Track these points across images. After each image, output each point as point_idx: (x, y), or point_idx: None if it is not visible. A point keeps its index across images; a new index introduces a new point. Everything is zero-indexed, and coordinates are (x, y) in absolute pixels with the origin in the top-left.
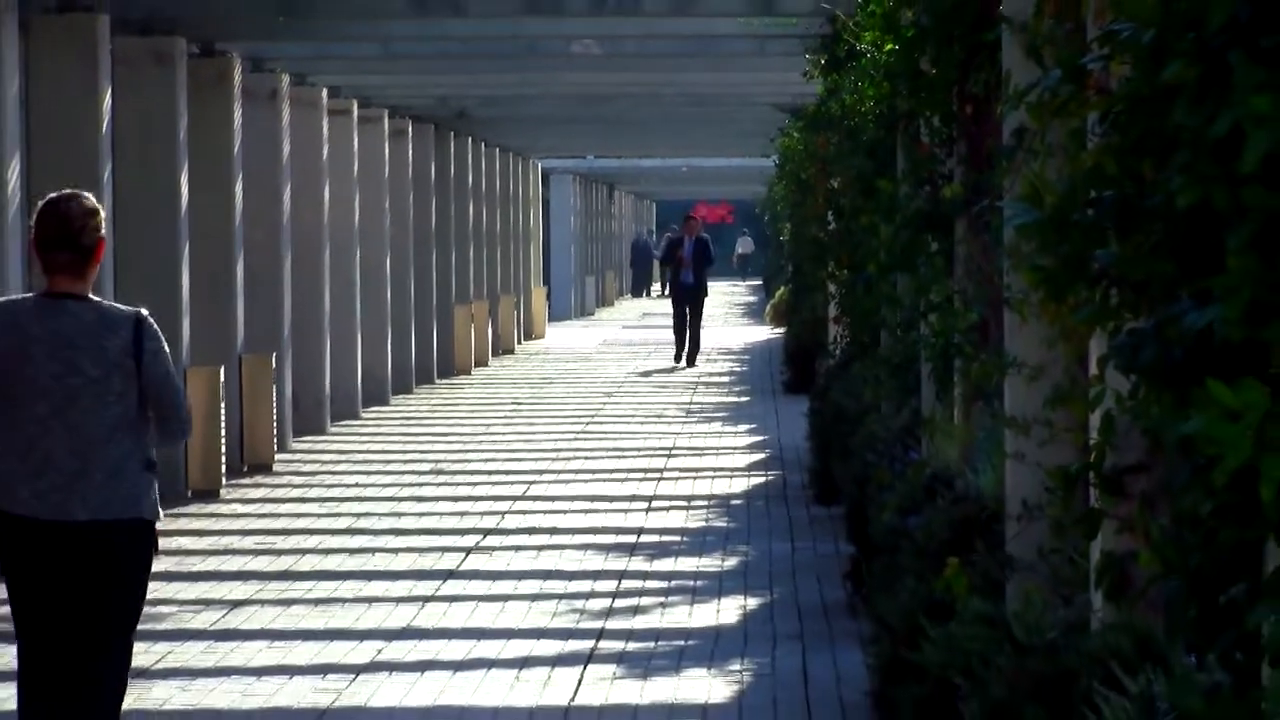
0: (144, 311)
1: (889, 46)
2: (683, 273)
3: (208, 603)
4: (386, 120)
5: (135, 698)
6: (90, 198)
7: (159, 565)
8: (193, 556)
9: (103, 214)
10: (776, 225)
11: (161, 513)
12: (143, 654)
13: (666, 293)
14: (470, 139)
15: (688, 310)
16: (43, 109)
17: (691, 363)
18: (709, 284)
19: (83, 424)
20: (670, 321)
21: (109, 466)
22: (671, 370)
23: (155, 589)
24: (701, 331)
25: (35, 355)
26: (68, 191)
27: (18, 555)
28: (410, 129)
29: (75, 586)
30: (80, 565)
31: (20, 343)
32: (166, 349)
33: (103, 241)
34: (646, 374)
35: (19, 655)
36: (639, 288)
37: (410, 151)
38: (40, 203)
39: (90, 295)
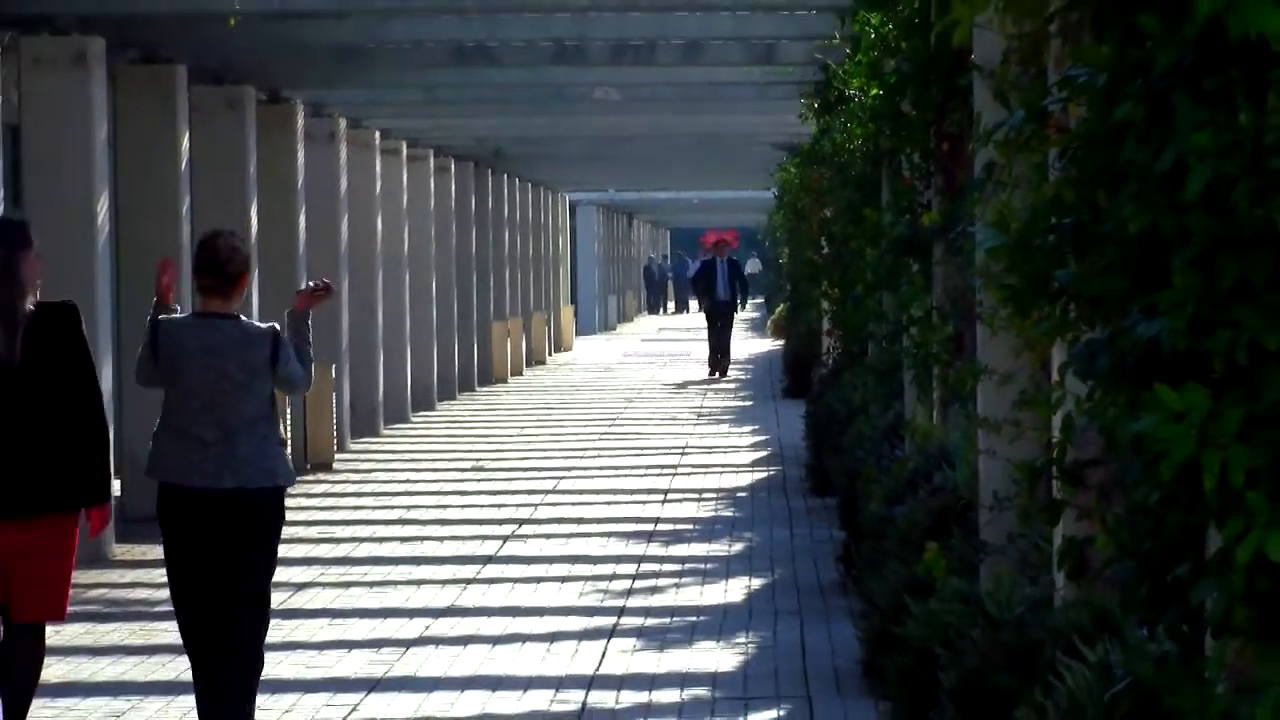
0: (278, 326)
1: (874, 91)
2: (718, 291)
3: (276, 585)
4: (432, 158)
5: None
6: (236, 236)
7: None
8: None
9: (248, 249)
10: (776, 249)
11: (294, 476)
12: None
13: (700, 309)
14: (505, 175)
15: (720, 325)
16: (129, 149)
17: (724, 373)
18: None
19: (228, 417)
20: (705, 336)
21: (250, 447)
22: (707, 380)
23: None
24: (730, 345)
25: (190, 364)
26: (220, 229)
27: (176, 520)
28: (453, 166)
29: (221, 544)
30: (225, 526)
31: (178, 354)
32: (291, 350)
33: (246, 274)
34: (663, 382)
35: (179, 621)
36: (654, 306)
37: (453, 186)
38: (198, 238)
39: (236, 314)
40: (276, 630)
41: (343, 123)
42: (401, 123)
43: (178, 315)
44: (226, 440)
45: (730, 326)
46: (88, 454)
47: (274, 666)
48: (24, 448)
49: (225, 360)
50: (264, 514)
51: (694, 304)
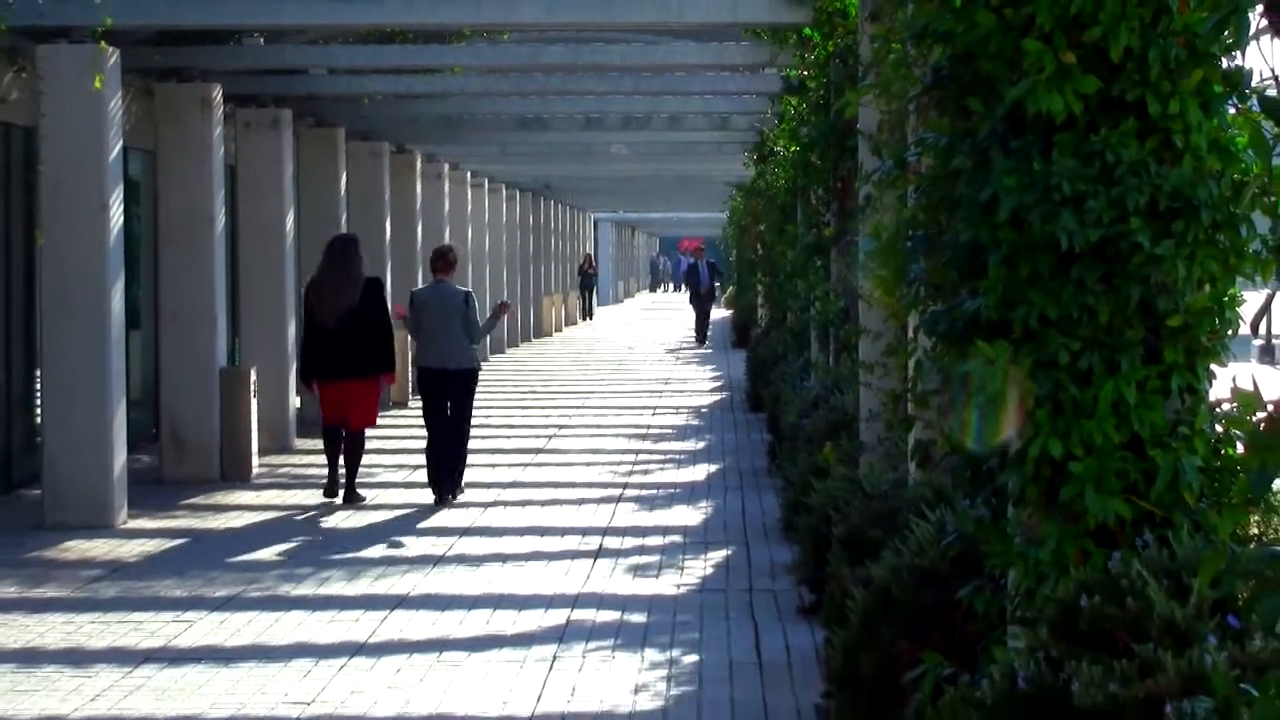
0: (469, 289)
1: (792, 148)
2: (700, 284)
3: (386, 481)
4: (504, 190)
5: (335, 550)
6: (453, 245)
7: (371, 447)
8: (379, 455)
9: (458, 252)
10: (727, 251)
11: (482, 364)
12: (352, 516)
13: (687, 296)
14: (553, 201)
15: (703, 308)
16: (307, 184)
17: (704, 341)
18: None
19: (447, 331)
20: (692, 313)
21: (460, 348)
22: (696, 347)
23: (360, 475)
24: (709, 320)
25: (430, 306)
26: (445, 243)
27: (427, 385)
28: (518, 196)
29: (450, 397)
30: (452, 387)
31: (424, 302)
32: (477, 306)
33: (456, 263)
34: (653, 337)
35: (428, 436)
36: (653, 288)
37: (518, 208)
38: (434, 247)
39: (450, 281)
40: (382, 515)
41: (446, 166)
42: (485, 167)
43: (423, 286)
44: (448, 343)
45: (710, 307)
46: (383, 348)
47: (370, 548)
48: (358, 346)
49: (445, 301)
50: (470, 380)
51: (674, 288)
